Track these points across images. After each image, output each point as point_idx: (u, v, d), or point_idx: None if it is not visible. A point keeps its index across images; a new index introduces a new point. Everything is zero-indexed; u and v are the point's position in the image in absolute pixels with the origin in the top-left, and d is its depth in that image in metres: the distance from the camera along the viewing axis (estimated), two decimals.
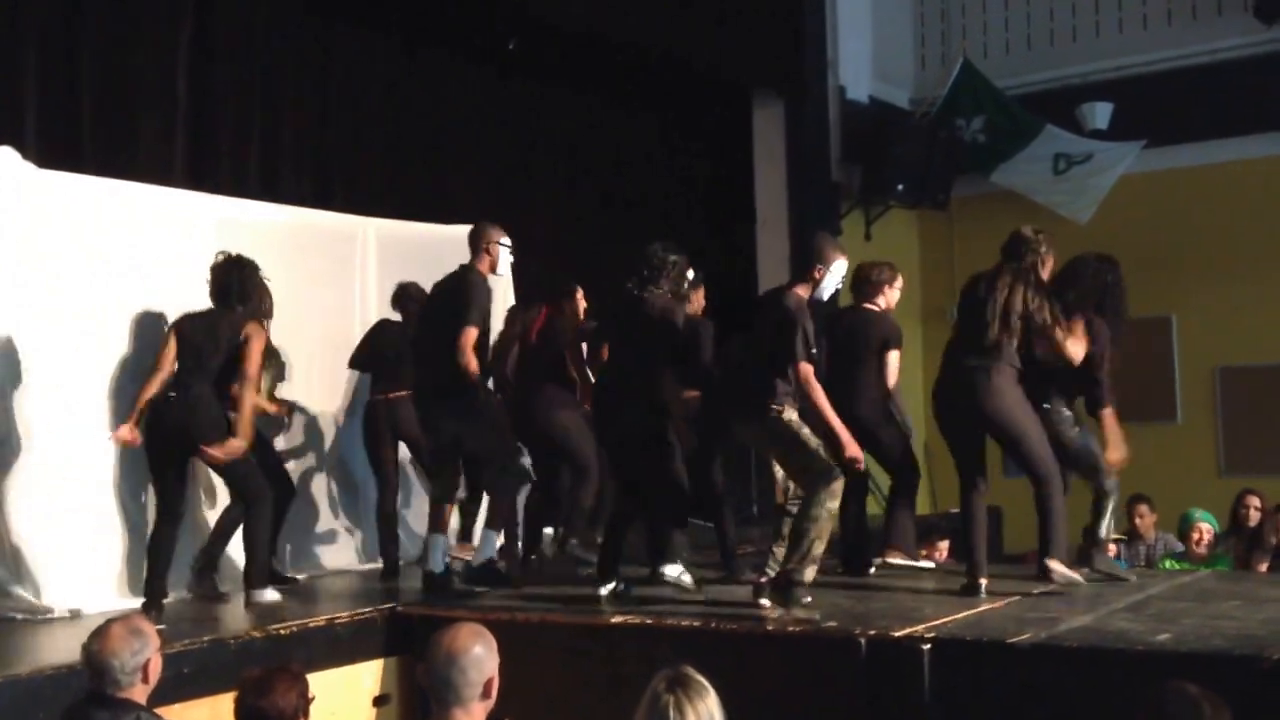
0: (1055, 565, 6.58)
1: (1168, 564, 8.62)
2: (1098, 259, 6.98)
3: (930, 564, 7.60)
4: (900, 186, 12.53)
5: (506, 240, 7.30)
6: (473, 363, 6.99)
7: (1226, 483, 10.80)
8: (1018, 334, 6.47)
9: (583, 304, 8.16)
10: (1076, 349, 6.57)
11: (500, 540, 7.45)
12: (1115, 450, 6.95)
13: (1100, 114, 12.73)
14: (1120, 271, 6.98)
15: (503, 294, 8.93)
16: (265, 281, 7.23)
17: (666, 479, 6.78)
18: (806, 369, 6.13)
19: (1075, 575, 6.60)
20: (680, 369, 7.03)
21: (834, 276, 6.44)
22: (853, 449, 6.32)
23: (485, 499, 7.75)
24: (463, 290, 7.09)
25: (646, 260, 6.96)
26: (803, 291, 6.39)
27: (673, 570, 6.77)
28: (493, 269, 7.26)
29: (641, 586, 6.78)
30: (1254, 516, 8.78)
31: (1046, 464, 6.55)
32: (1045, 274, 6.72)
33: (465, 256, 7.24)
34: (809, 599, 6.03)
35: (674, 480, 6.80)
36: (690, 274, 7.26)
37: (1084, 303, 6.78)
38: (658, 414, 6.84)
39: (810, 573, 6.08)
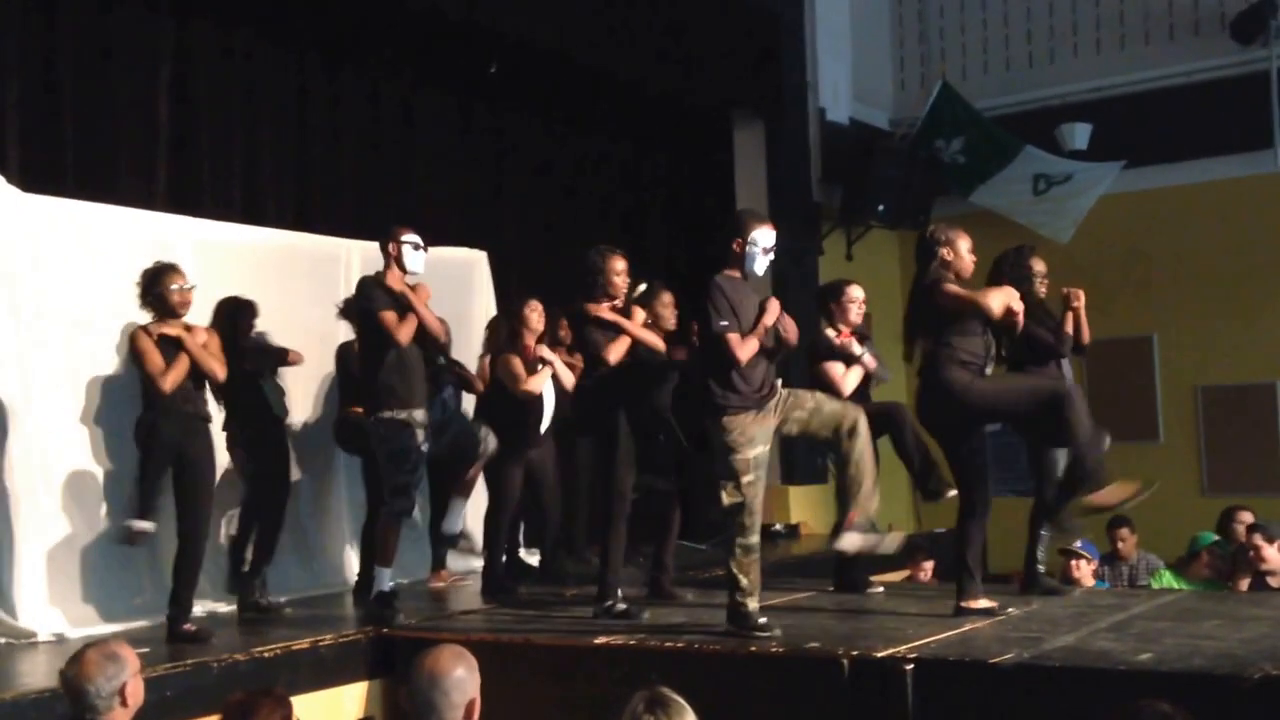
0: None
1: (1167, 576, 8.58)
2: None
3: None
4: (881, 207, 12.54)
5: (408, 237, 7.13)
6: (400, 332, 6.86)
7: (1209, 502, 10.82)
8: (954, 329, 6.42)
9: (534, 316, 8.08)
10: (992, 301, 6.42)
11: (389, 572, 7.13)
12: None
13: (1079, 135, 12.77)
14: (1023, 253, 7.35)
15: (472, 292, 9.03)
16: (177, 285, 6.71)
17: (606, 482, 6.84)
18: (732, 339, 6.02)
19: None
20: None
21: (758, 248, 6.29)
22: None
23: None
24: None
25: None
26: (731, 272, 6.30)
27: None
28: (402, 269, 7.12)
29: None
30: (1243, 533, 8.75)
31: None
32: (955, 256, 6.66)
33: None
34: (770, 630, 5.97)
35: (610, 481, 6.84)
36: (616, 274, 7.14)
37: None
38: (599, 418, 6.88)
39: (752, 602, 6.05)
